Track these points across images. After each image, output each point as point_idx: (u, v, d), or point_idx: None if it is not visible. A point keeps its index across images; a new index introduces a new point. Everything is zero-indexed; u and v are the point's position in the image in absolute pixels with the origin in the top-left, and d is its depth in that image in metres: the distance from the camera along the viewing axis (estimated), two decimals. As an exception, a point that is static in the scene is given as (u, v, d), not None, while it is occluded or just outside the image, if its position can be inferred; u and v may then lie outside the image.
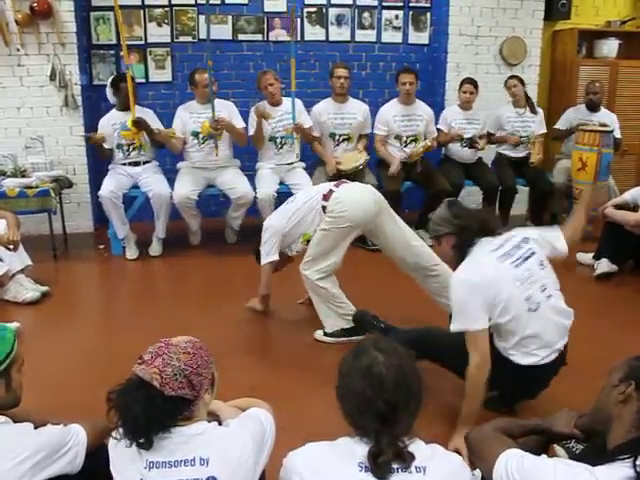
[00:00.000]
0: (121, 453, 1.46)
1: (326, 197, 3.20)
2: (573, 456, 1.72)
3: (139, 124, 4.53)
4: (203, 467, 1.41)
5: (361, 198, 3.22)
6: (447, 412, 2.45)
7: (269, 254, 3.35)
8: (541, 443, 1.70)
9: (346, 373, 1.43)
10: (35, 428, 1.58)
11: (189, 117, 4.78)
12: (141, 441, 1.41)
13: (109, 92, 4.76)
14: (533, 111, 5.29)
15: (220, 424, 1.56)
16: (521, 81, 5.23)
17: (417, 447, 1.38)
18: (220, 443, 1.46)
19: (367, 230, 3.34)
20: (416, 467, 1.34)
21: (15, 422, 1.61)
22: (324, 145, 5.07)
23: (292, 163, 4.97)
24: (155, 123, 4.73)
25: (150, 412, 1.40)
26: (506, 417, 1.67)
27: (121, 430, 1.43)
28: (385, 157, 5.03)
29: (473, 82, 5.13)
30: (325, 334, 3.29)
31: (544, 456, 1.39)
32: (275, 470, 1.52)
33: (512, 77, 5.28)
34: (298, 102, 4.87)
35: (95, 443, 1.66)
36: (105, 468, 1.50)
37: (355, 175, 4.86)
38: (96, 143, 4.68)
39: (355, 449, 1.36)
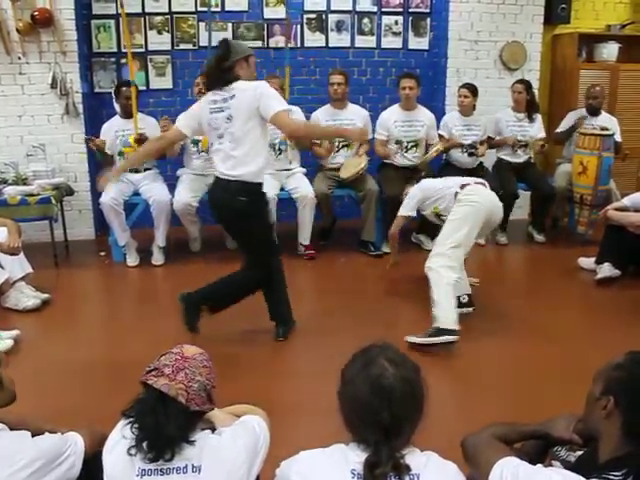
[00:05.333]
0: (114, 460, 1.46)
1: (462, 187, 3.65)
2: (567, 466, 1.70)
3: (142, 142, 4.55)
4: (195, 474, 1.41)
5: (490, 194, 3.70)
6: (444, 422, 2.43)
7: (407, 209, 3.94)
8: (540, 448, 1.68)
9: (352, 380, 1.39)
10: (32, 436, 1.57)
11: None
12: (167, 457, 1.41)
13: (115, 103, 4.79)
14: (530, 119, 5.27)
15: (214, 431, 1.56)
16: (527, 88, 5.20)
17: (412, 454, 1.36)
18: (213, 451, 1.46)
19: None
20: (409, 475, 1.32)
21: (12, 429, 1.60)
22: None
23: (291, 169, 4.98)
24: (156, 132, 4.72)
25: (181, 429, 1.41)
26: (503, 422, 1.65)
27: (145, 446, 1.41)
28: (383, 154, 5.08)
29: (469, 87, 5.13)
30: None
31: (540, 466, 1.37)
32: (269, 479, 1.52)
33: (520, 82, 5.26)
34: (298, 112, 4.88)
35: (92, 451, 1.65)
36: (101, 476, 1.49)
37: (356, 180, 4.87)
38: (94, 148, 4.71)
39: (348, 456, 1.35)
